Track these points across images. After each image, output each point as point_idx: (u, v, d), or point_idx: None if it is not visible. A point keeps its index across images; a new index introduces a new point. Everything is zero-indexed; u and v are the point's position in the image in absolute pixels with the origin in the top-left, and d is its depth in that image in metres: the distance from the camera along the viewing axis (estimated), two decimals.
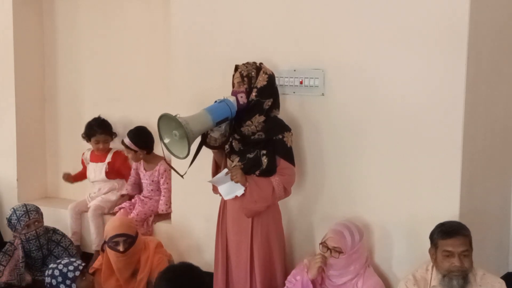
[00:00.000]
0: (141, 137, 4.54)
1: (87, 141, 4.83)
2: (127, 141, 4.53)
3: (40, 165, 5.34)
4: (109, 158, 4.82)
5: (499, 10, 3.54)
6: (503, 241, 3.91)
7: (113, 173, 4.82)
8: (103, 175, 4.81)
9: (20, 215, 3.97)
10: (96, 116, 4.85)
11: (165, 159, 3.41)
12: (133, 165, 4.72)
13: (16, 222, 3.96)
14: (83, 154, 4.95)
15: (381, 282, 3.36)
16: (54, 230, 4.16)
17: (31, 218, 3.99)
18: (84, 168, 4.96)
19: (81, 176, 4.99)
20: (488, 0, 3.40)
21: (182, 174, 3.43)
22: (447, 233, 2.93)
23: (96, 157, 4.85)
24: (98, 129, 4.75)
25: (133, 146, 4.51)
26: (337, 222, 3.42)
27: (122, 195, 4.77)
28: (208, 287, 3.01)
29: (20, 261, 3.97)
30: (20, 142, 5.13)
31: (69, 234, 4.53)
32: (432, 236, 3.03)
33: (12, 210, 4.04)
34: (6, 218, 4.04)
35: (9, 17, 5.00)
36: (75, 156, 5.23)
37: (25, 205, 4.08)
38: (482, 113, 3.45)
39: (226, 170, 3.41)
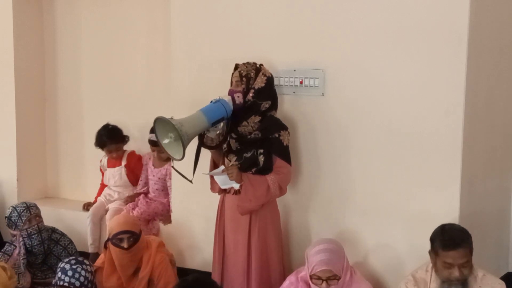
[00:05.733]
0: None
1: (102, 150, 4.78)
2: None
3: (40, 165, 5.34)
4: (124, 160, 4.80)
5: (499, 10, 3.54)
6: (503, 241, 3.91)
7: (132, 175, 4.78)
8: (124, 179, 4.78)
9: (21, 211, 3.98)
10: (95, 118, 4.86)
11: (173, 167, 3.40)
12: (143, 160, 4.70)
13: (17, 218, 3.96)
14: (101, 161, 4.90)
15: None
16: (53, 230, 4.17)
17: (32, 213, 4.01)
18: (102, 179, 4.91)
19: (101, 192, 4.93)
20: (488, 0, 3.40)
21: (190, 179, 3.44)
22: (448, 245, 2.87)
23: (112, 162, 4.82)
24: (107, 140, 4.71)
25: None
26: (314, 248, 3.18)
27: (138, 193, 4.73)
28: None
29: (22, 257, 3.97)
30: (20, 142, 5.13)
31: (76, 238, 4.41)
32: (433, 242, 2.98)
33: (12, 208, 4.04)
34: (6, 216, 4.04)
35: (9, 17, 4.99)
36: (75, 156, 5.25)
37: (24, 202, 4.10)
38: (482, 113, 3.45)
39: (222, 167, 3.44)
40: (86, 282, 3.34)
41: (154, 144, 4.51)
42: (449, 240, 2.88)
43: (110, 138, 4.71)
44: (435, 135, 3.30)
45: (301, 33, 3.66)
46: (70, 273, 3.34)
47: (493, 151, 3.67)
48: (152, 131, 4.51)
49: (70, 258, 3.49)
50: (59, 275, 3.37)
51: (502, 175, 3.81)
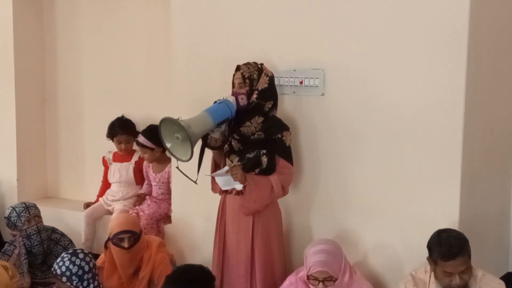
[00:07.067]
0: (157, 134, 4.48)
1: (112, 141, 4.77)
2: (142, 139, 4.47)
3: (40, 165, 5.35)
4: (135, 157, 4.77)
5: (499, 10, 3.54)
6: (503, 241, 3.92)
7: (139, 174, 4.74)
8: (130, 175, 4.74)
9: (20, 211, 4.00)
10: (95, 118, 4.87)
11: (178, 167, 3.40)
12: (144, 168, 4.68)
13: (16, 218, 3.98)
14: (105, 156, 4.86)
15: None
16: (53, 230, 4.18)
17: (31, 213, 4.03)
18: (105, 177, 4.87)
19: (103, 191, 4.90)
20: (488, 0, 3.40)
21: (194, 180, 3.42)
22: (447, 256, 2.87)
23: (120, 157, 4.79)
24: (119, 130, 4.71)
25: (149, 144, 4.44)
26: (312, 249, 3.20)
27: (139, 195, 4.72)
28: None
29: (22, 258, 3.98)
30: (20, 142, 5.13)
31: (76, 238, 4.46)
32: (430, 250, 2.97)
33: (11, 208, 4.05)
34: (5, 217, 4.05)
35: (9, 17, 5.00)
36: (75, 156, 5.25)
37: (23, 202, 4.13)
38: (482, 114, 3.45)
39: (226, 168, 3.42)
40: (68, 274, 3.30)
41: (142, 145, 4.50)
42: (447, 251, 2.87)
43: (122, 128, 4.70)
44: (435, 135, 3.30)
45: (301, 33, 3.66)
46: (58, 259, 3.36)
47: (493, 151, 3.67)
48: (143, 132, 4.52)
49: (74, 248, 3.50)
50: None
51: (502, 174, 3.81)
